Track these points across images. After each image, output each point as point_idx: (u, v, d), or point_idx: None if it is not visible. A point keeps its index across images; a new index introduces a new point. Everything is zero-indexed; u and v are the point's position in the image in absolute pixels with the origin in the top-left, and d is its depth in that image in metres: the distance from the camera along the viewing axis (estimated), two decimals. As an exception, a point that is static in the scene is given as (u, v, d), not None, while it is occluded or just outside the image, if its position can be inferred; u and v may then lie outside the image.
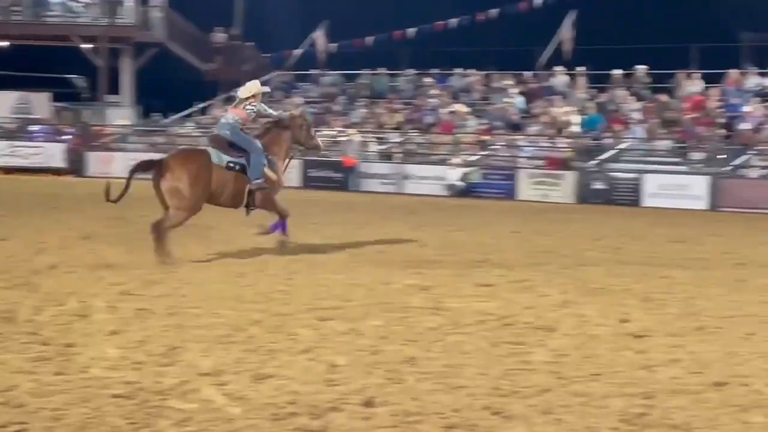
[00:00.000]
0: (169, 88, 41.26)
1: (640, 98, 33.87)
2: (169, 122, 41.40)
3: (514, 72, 37.09)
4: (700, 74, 33.61)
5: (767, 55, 33.44)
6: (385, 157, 35.26)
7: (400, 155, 35.06)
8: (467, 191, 31.17)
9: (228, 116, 14.60)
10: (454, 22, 39.41)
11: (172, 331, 8.84)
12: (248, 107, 14.51)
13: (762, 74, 32.96)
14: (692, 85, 33.40)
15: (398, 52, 40.39)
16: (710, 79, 33.37)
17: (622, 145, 32.05)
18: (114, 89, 42.93)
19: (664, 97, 33.18)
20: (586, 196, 29.62)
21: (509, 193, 30.74)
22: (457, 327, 9.34)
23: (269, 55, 44.18)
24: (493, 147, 33.69)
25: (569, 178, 30.26)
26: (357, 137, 34.36)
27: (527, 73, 37.05)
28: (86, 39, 42.21)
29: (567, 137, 32.67)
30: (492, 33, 37.96)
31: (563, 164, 31.16)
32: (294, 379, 7.32)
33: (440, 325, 9.39)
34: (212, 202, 14.28)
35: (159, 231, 13.65)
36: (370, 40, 40.61)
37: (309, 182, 33.31)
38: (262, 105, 14.71)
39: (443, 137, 35.02)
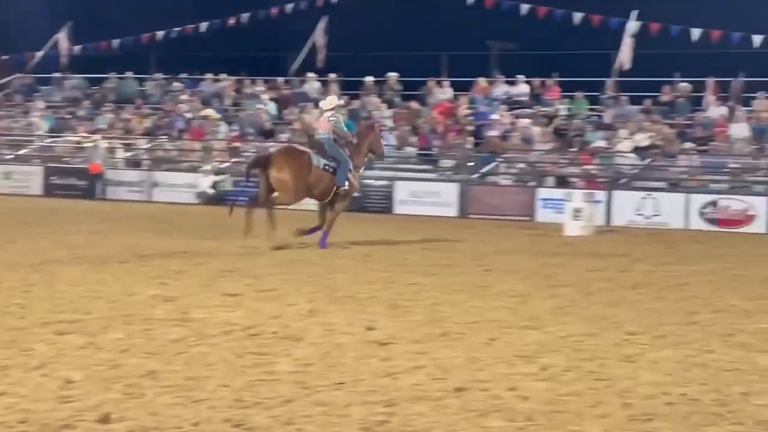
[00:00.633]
0: None
1: (391, 105, 34.54)
2: None
3: (266, 78, 37.17)
4: (449, 82, 34.56)
5: (514, 64, 34.73)
6: (133, 164, 34.71)
7: (149, 162, 34.57)
8: (219, 199, 30.97)
9: (321, 130, 18.40)
10: (204, 25, 39.05)
11: None
12: (331, 118, 18.24)
13: (509, 83, 34.19)
14: (442, 92, 34.32)
15: (146, 56, 39.79)
16: (460, 87, 34.37)
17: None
18: None
19: (414, 105, 33.93)
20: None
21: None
22: (202, 338, 9.29)
23: (9, 56, 42.65)
24: (245, 154, 33.59)
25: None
26: (103, 143, 33.64)
27: (280, 79, 37.20)
28: None
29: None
30: (243, 38, 37.86)
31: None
32: (26, 397, 7.12)
33: (184, 337, 9.32)
34: (308, 194, 18.03)
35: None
36: (116, 42, 39.77)
37: (51, 190, 32.42)
38: (340, 116, 18.83)
39: (194, 144, 34.75)
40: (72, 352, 8.60)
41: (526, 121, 31.95)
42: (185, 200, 31.26)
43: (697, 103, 31.97)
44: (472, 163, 30.92)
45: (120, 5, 40.28)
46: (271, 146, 33.19)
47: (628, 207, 27.33)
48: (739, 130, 29.68)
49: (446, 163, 31.63)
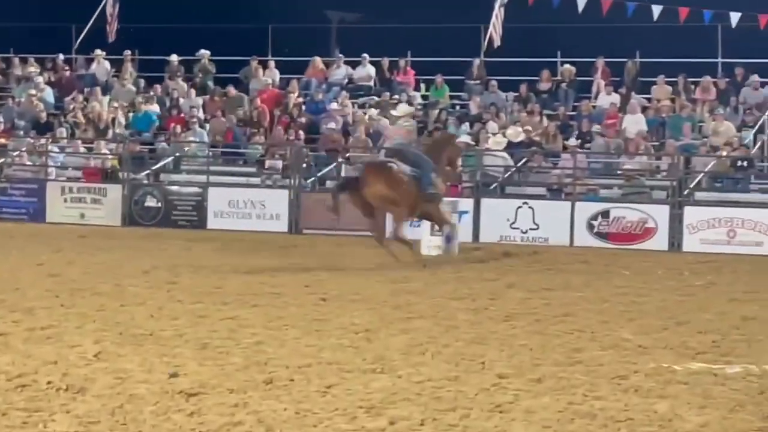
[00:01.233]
0: None
1: (203, 91, 34.36)
2: None
3: (41, 56, 36.64)
4: (276, 62, 34.58)
5: (358, 40, 34.89)
6: None
7: None
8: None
9: (396, 137, 22.45)
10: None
11: None
12: (404, 124, 22.50)
13: (352, 63, 34.37)
14: (268, 75, 34.28)
15: None
16: (290, 69, 34.43)
17: (182, 151, 32.34)
18: None
19: (232, 90, 33.80)
20: (135, 216, 29.64)
21: (36, 214, 30.26)
22: (-47, 392, 9.12)
23: None
24: (13, 153, 33.04)
25: (114, 193, 30.18)
26: None
27: (59, 58, 36.67)
28: None
29: (111, 141, 32.60)
30: (9, 4, 37.17)
31: (106, 176, 31.09)
32: None
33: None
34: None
35: (380, 240, 21.27)
36: None
37: None
38: (414, 121, 23.63)
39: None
40: None
41: (373, 111, 32.13)
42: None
43: (583, 89, 32.57)
44: (306, 165, 30.92)
45: None
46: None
47: (500, 218, 27.54)
48: (635, 122, 30.31)
49: (273, 164, 31.55)
